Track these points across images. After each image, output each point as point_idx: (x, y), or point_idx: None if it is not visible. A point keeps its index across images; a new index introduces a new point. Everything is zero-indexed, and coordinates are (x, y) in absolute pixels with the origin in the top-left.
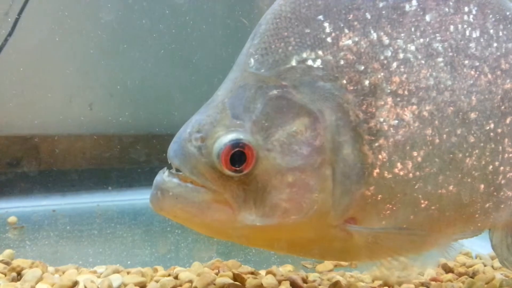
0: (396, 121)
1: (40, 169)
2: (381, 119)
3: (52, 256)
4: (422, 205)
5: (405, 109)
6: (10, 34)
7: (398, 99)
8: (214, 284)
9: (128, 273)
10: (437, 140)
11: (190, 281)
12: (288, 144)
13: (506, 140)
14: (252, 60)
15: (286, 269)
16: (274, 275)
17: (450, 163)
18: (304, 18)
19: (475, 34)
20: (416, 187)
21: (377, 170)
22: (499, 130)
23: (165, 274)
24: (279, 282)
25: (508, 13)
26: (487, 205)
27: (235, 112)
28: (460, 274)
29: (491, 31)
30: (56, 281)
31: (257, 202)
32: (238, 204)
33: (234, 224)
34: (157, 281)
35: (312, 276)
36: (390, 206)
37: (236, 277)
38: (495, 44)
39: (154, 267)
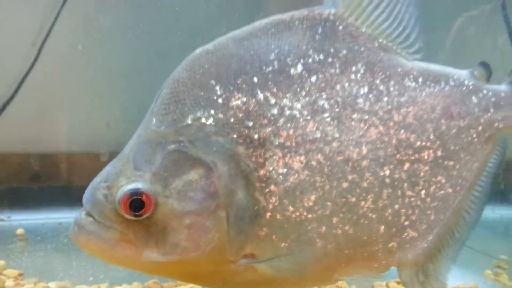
0: (285, 170)
1: (54, 184)
2: (271, 168)
3: (41, 268)
4: (318, 244)
5: (294, 159)
6: (35, 61)
7: (286, 150)
8: None
9: None
10: (328, 186)
11: None
12: (184, 191)
13: (406, 185)
14: (154, 119)
15: None
16: None
17: (343, 206)
18: (199, 83)
19: (363, 90)
20: (309, 228)
21: (269, 213)
22: (396, 176)
23: None
24: None
25: (399, 69)
26: (390, 244)
27: (137, 165)
28: None
29: (381, 87)
30: None
31: (159, 241)
32: (142, 243)
33: (139, 260)
34: None
35: None
36: (286, 245)
37: None
38: (385, 99)
39: (99, 284)
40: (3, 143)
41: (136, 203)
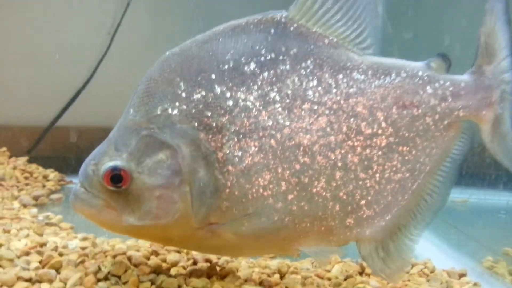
0: (241, 153)
1: None
2: (227, 151)
3: (90, 224)
4: (275, 217)
5: (248, 143)
6: (109, 47)
7: (241, 136)
8: (124, 254)
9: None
10: (280, 167)
11: (113, 250)
12: (154, 168)
13: (359, 168)
14: (131, 110)
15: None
16: (187, 254)
17: (297, 185)
18: (167, 80)
19: (312, 84)
20: (265, 203)
21: (228, 189)
22: (348, 160)
23: (113, 244)
24: (188, 259)
25: (349, 64)
26: (347, 221)
27: (117, 146)
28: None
29: (330, 80)
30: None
31: (135, 208)
32: (121, 209)
33: (120, 223)
34: (94, 247)
35: (222, 260)
36: (246, 216)
37: (152, 252)
38: (334, 90)
39: (115, 238)
40: (83, 118)
41: (116, 177)
